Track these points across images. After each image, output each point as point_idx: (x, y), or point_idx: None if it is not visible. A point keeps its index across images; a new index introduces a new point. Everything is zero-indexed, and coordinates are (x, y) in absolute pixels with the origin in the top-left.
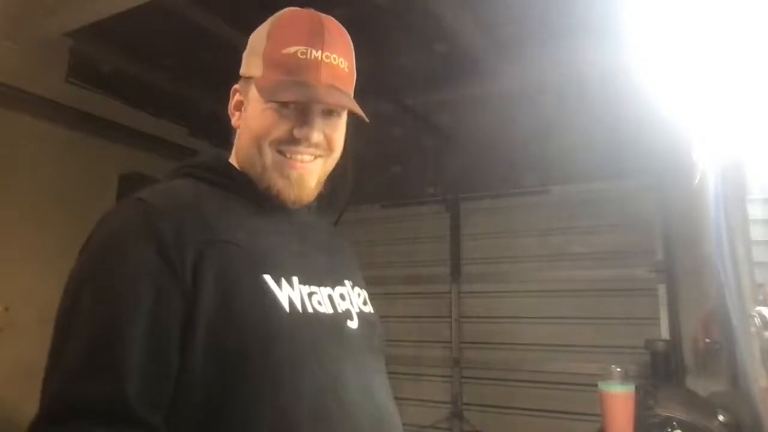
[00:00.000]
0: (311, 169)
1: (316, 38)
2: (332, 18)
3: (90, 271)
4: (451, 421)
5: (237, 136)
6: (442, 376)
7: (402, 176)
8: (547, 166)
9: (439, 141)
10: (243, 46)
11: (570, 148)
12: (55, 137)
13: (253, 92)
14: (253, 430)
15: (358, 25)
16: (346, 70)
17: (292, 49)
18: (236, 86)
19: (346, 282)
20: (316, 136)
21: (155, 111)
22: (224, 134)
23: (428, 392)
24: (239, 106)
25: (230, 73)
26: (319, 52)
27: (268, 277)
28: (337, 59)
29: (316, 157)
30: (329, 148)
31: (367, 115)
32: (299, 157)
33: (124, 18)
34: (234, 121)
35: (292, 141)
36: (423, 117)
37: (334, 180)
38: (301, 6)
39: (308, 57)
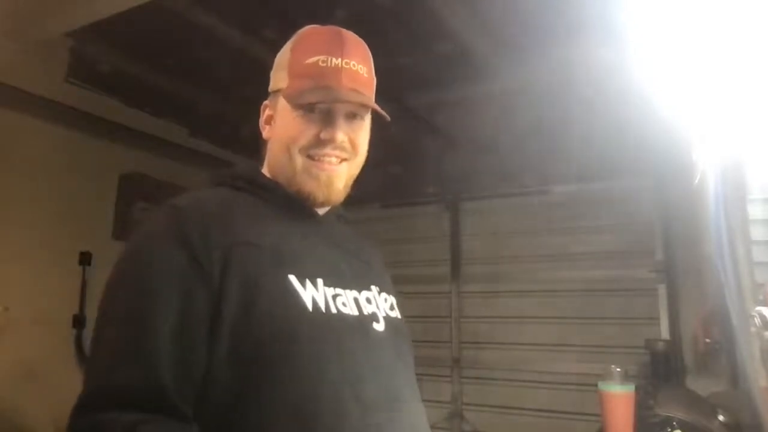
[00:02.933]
0: (338, 171)
1: (336, 47)
2: (350, 31)
3: (125, 272)
4: (451, 421)
5: (268, 147)
6: (442, 376)
7: (402, 176)
8: (547, 166)
9: (439, 141)
10: (243, 47)
11: (570, 148)
12: (55, 137)
13: (281, 103)
14: (272, 425)
15: (359, 25)
16: (366, 75)
17: (313, 59)
18: (266, 102)
19: (373, 287)
20: (341, 137)
21: (155, 111)
22: (224, 135)
23: (428, 392)
24: (269, 120)
25: (230, 74)
26: (339, 59)
27: (292, 277)
28: (356, 65)
29: (342, 160)
30: (353, 150)
31: (378, 116)
32: (327, 159)
33: (124, 18)
34: (265, 134)
35: (319, 144)
36: (423, 117)
37: None
38: (305, 8)
39: (329, 64)
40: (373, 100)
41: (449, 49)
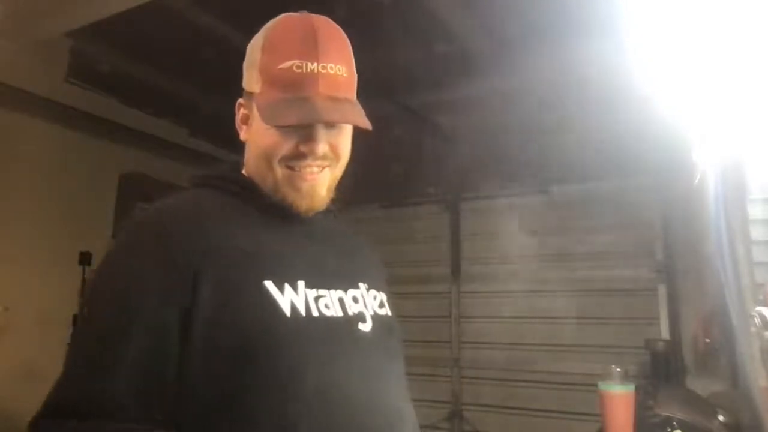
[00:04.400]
0: (321, 179)
1: (311, 49)
2: (326, 19)
3: (100, 278)
4: (450, 421)
5: (246, 149)
6: (442, 376)
7: (402, 176)
8: (547, 166)
9: (439, 141)
10: (243, 47)
11: (570, 148)
12: (55, 137)
13: (257, 109)
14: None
15: (359, 24)
16: (345, 75)
17: (287, 64)
18: (240, 100)
19: (361, 285)
20: (322, 149)
21: (155, 111)
22: (224, 135)
23: (428, 392)
24: (245, 119)
25: (230, 74)
26: (315, 63)
27: (269, 283)
28: (334, 68)
29: (323, 167)
30: (335, 156)
31: (367, 116)
32: (308, 169)
33: (124, 18)
34: (242, 135)
35: (299, 156)
36: (423, 117)
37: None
38: (304, 8)
39: (304, 70)
40: (355, 95)
41: (449, 48)
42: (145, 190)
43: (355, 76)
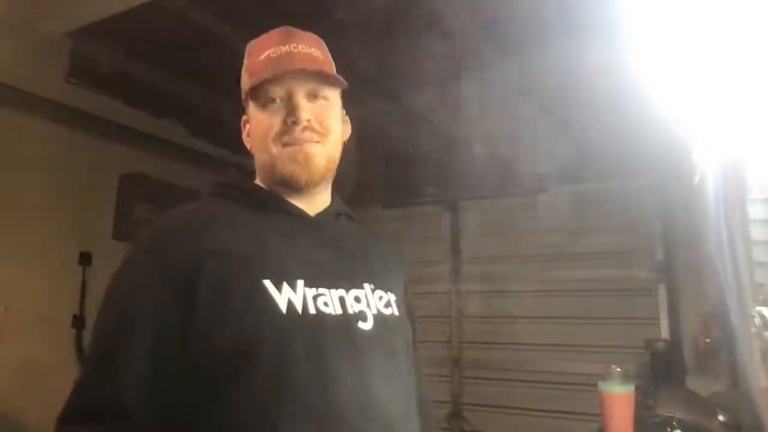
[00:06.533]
0: (315, 150)
1: (284, 38)
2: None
3: (108, 291)
4: (450, 421)
5: (255, 157)
6: (442, 376)
7: (402, 176)
8: (547, 166)
9: (439, 141)
10: (243, 46)
11: (569, 148)
12: (55, 137)
13: (251, 108)
14: (234, 428)
15: (359, 25)
16: (321, 56)
17: (264, 54)
18: (244, 117)
19: (366, 285)
20: (305, 115)
21: (155, 111)
22: (224, 135)
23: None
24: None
25: (230, 74)
26: (287, 46)
27: (267, 282)
28: (306, 48)
29: (314, 142)
30: (322, 129)
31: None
32: (301, 141)
33: (124, 18)
34: (249, 147)
35: (288, 129)
36: (423, 117)
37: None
38: (305, 8)
39: (279, 53)
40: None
41: (449, 49)
42: (145, 190)
43: (333, 64)
